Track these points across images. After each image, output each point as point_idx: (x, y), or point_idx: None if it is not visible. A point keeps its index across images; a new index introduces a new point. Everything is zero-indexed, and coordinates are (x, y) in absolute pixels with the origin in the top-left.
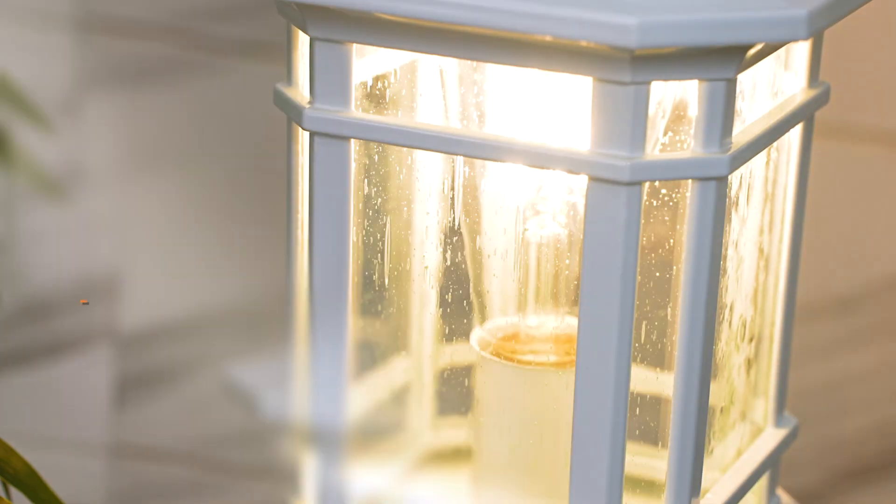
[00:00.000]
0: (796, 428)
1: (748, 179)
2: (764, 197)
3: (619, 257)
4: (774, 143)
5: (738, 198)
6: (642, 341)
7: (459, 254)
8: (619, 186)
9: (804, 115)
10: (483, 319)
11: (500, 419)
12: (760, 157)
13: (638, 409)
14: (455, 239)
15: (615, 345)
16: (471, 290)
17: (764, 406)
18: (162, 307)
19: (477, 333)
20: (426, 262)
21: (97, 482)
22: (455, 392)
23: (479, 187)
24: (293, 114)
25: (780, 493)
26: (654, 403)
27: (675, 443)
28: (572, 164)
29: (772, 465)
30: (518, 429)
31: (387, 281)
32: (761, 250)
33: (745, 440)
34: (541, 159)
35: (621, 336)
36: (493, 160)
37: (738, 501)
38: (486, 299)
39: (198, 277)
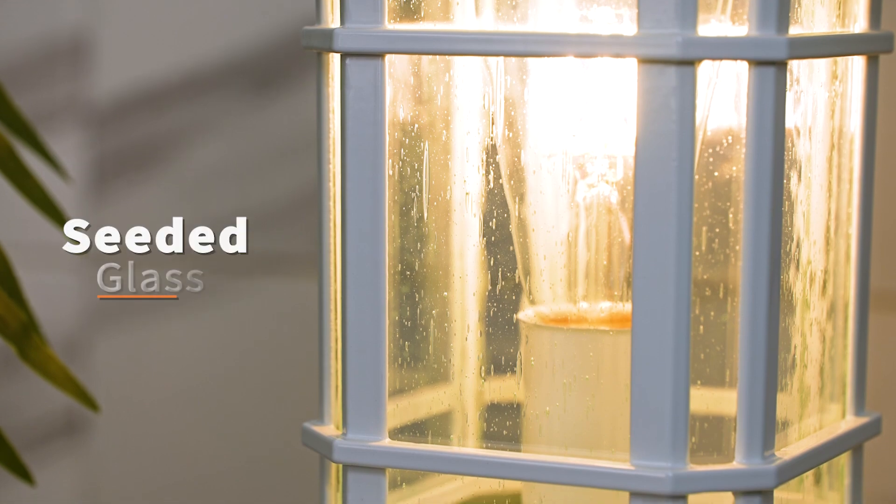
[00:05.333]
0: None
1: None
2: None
3: (674, 146)
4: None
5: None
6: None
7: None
8: (668, 66)
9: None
10: (533, 302)
11: (551, 381)
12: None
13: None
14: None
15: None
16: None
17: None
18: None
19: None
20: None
21: None
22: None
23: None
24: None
25: None
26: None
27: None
28: (619, 47)
29: None
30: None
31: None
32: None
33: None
34: (587, 47)
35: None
36: (538, 56)
37: None
38: (535, 279)
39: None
